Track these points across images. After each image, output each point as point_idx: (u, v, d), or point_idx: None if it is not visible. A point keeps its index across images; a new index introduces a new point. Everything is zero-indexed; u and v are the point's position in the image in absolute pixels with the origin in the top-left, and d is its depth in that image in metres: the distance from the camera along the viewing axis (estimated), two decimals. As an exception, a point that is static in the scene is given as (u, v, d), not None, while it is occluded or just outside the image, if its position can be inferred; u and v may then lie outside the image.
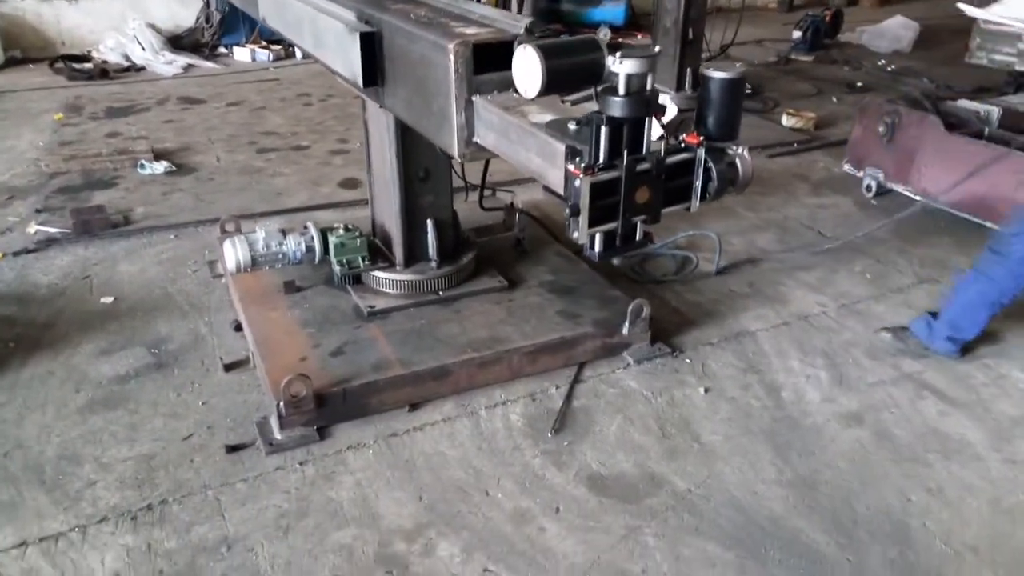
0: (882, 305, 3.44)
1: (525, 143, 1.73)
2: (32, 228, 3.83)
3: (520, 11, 8.66)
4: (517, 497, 2.32)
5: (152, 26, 7.75)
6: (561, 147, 1.65)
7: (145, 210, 4.12)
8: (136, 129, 5.44)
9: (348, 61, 2.08)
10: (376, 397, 2.61)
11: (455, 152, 1.86)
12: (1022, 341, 3.17)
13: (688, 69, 6.26)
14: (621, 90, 1.64)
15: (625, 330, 2.97)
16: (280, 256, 2.94)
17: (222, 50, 7.94)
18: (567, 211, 1.69)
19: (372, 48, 2.02)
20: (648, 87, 1.69)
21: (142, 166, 4.60)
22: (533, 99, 1.62)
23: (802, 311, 3.38)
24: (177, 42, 7.88)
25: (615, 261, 2.44)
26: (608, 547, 2.16)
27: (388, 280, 3.02)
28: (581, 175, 1.63)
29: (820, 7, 9.70)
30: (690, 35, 6.17)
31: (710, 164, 1.88)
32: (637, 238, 1.90)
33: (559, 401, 2.74)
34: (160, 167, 4.62)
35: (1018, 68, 7.72)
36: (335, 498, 2.28)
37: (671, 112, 5.60)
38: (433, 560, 2.10)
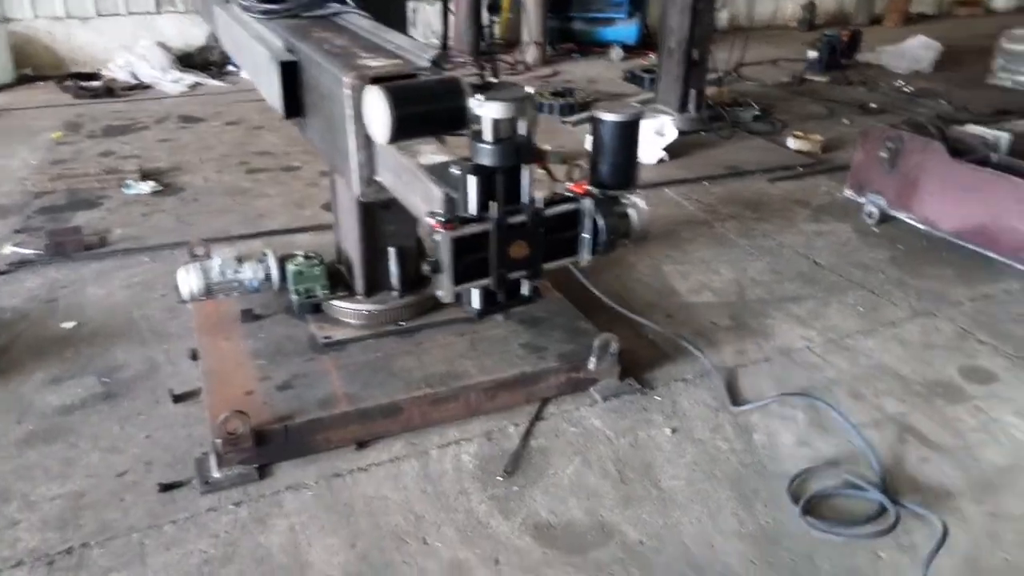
0: (872, 340, 3.27)
1: (413, 186, 1.63)
2: (7, 249, 3.80)
3: (531, 32, 8.61)
4: (456, 547, 2.19)
5: (162, 45, 7.80)
6: (439, 194, 1.54)
7: (123, 231, 4.08)
8: (131, 148, 5.44)
9: (272, 90, 2.00)
10: (321, 435, 2.50)
11: (356, 191, 1.76)
12: (1017, 382, 2.99)
13: (693, 91, 6.14)
14: (488, 136, 1.52)
15: (592, 365, 2.84)
16: (236, 284, 2.85)
17: (231, 68, 7.97)
18: (427, 267, 1.57)
19: (293, 78, 1.93)
20: (523, 132, 1.56)
21: (128, 186, 4.58)
22: (385, 144, 1.51)
23: (786, 346, 3.22)
24: (187, 60, 7.93)
25: (499, 317, 2.30)
26: (545, 605, 2.03)
27: (348, 310, 2.92)
28: (441, 229, 1.51)
29: (839, 26, 9.53)
30: (695, 55, 6.05)
31: (597, 216, 1.73)
32: (524, 293, 1.76)
33: (516, 440, 2.62)
34: (146, 187, 4.59)
35: (1041, 89, 7.49)
36: (265, 544, 2.17)
37: (671, 135, 5.48)
38: (356, 615, 1.98)
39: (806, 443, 2.64)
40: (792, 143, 5.73)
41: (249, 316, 2.98)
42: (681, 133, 5.63)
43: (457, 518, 2.29)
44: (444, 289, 1.59)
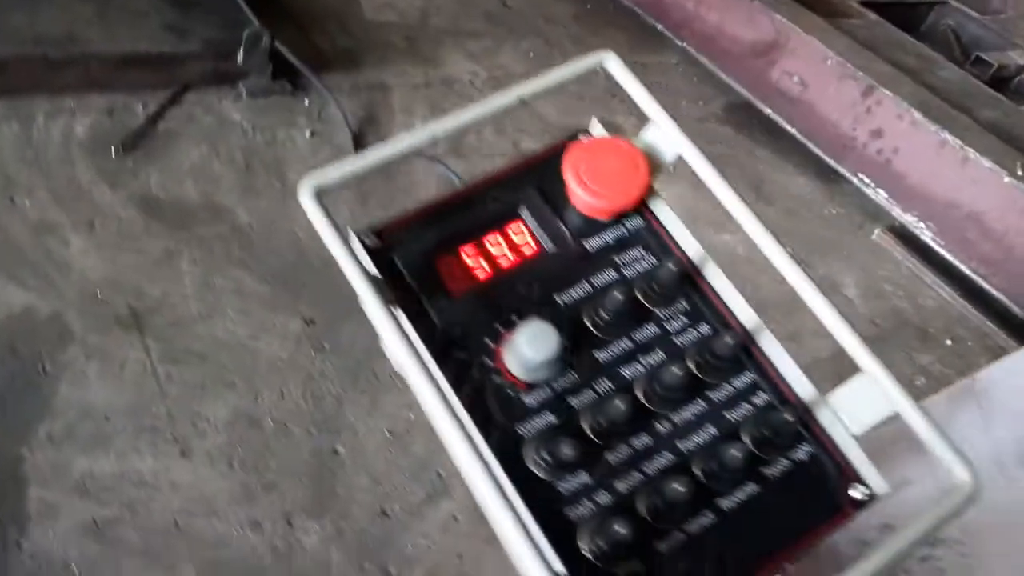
0: (531, 84, 3.49)
1: None
2: None
3: None
4: (49, 210, 2.14)
5: None
6: None
7: None
8: None
9: None
10: None
11: None
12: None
13: None
14: None
15: (240, 58, 2.74)
16: None
17: None
18: None
19: None
20: None
21: None
22: None
23: (451, 76, 3.33)
24: None
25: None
26: (135, 267, 2.08)
27: (-56, -55, 2.48)
28: None
29: None
30: None
31: None
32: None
33: (143, 121, 2.51)
34: None
35: None
36: None
37: None
38: (-86, 263, 1.90)
39: (433, 159, 2.84)
40: None
41: None
42: None
43: (56, 184, 2.21)
44: None
